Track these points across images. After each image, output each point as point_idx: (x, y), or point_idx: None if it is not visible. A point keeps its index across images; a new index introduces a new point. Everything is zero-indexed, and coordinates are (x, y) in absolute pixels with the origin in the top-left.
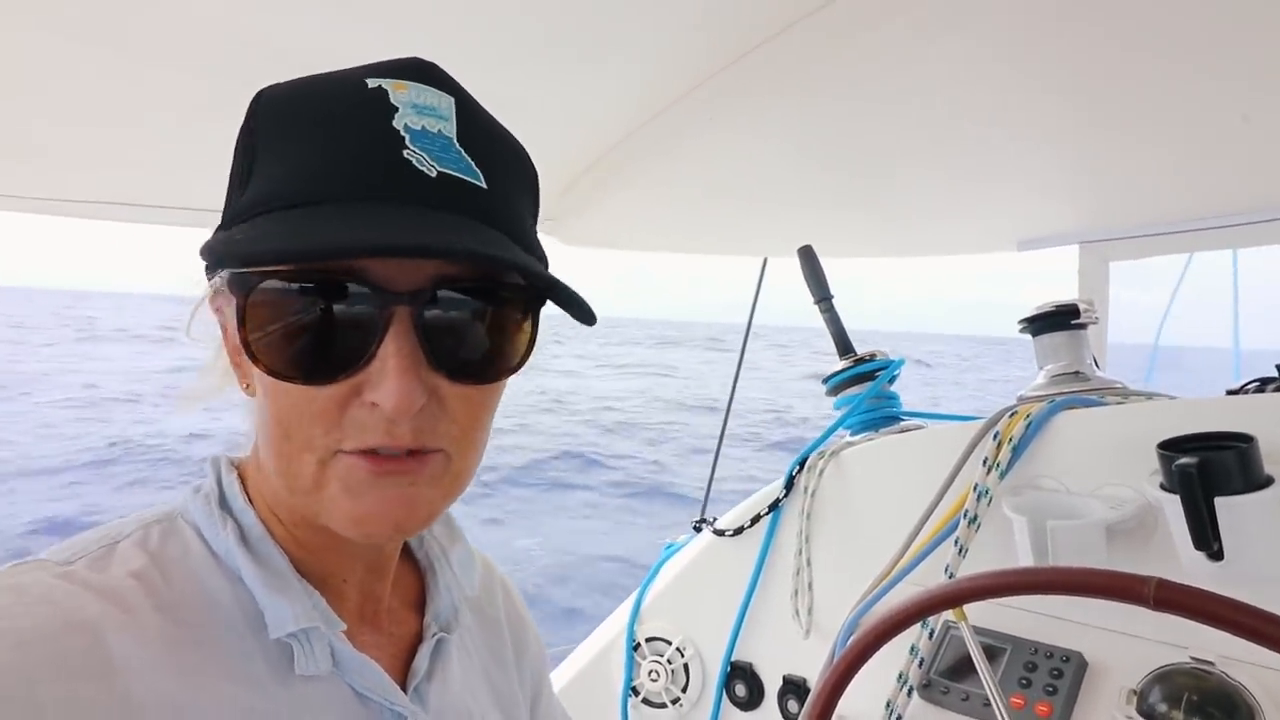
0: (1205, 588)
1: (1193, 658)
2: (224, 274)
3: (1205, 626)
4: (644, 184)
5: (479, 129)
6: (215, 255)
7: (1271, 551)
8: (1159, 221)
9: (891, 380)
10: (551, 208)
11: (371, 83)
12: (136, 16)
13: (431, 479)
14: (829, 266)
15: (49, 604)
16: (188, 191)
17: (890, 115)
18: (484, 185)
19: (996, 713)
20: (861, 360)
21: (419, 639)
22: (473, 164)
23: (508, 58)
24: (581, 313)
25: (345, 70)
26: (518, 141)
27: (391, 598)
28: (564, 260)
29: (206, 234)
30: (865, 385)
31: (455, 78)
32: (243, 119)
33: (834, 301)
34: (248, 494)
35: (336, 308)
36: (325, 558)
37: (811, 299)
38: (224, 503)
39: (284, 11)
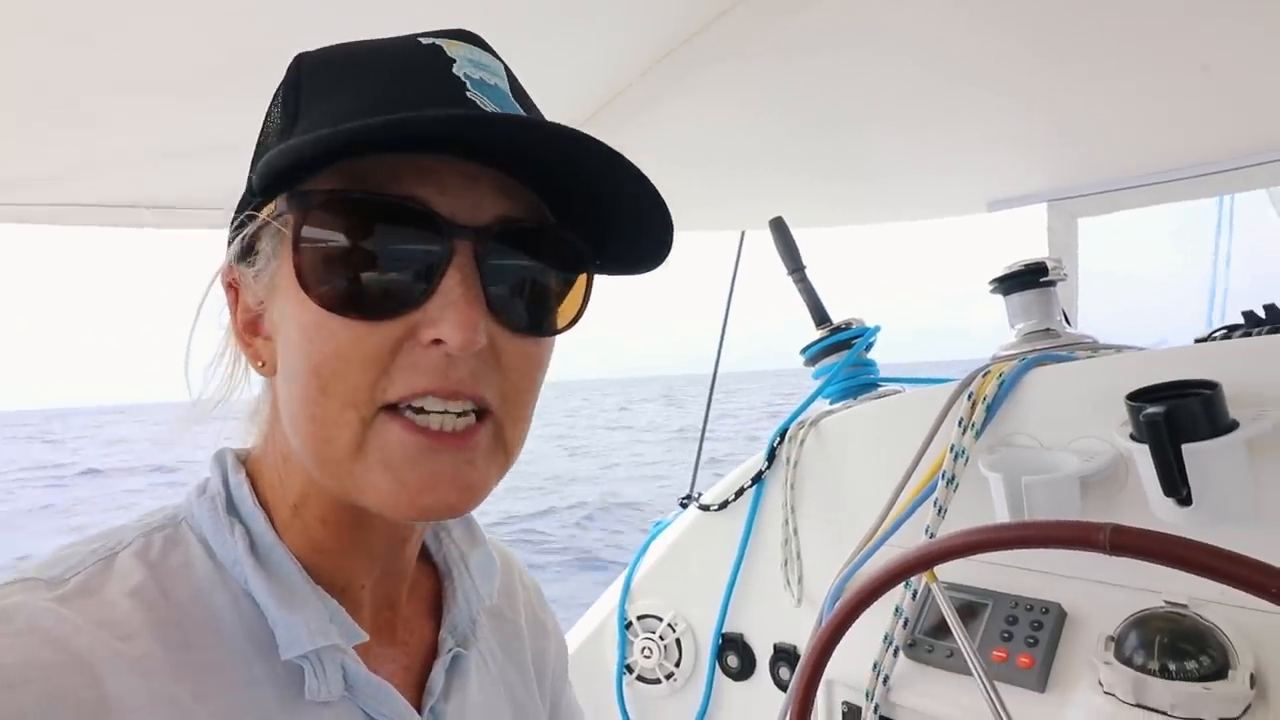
0: (1176, 533)
1: (1166, 601)
2: (276, 201)
3: (1178, 571)
4: None
5: (524, 94)
6: (279, 159)
7: (1238, 493)
8: (1124, 176)
9: (868, 347)
10: None
11: (424, 40)
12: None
13: (486, 454)
14: (804, 237)
15: (36, 634)
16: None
17: (859, 77)
18: None
19: (971, 667)
20: (838, 329)
21: (434, 651)
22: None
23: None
24: (640, 260)
25: (388, 37)
26: None
27: (407, 604)
28: None
29: (190, 234)
30: (842, 353)
31: None
32: (280, 83)
33: (807, 272)
34: (258, 494)
35: (398, 236)
36: (345, 561)
37: (785, 270)
38: (231, 506)
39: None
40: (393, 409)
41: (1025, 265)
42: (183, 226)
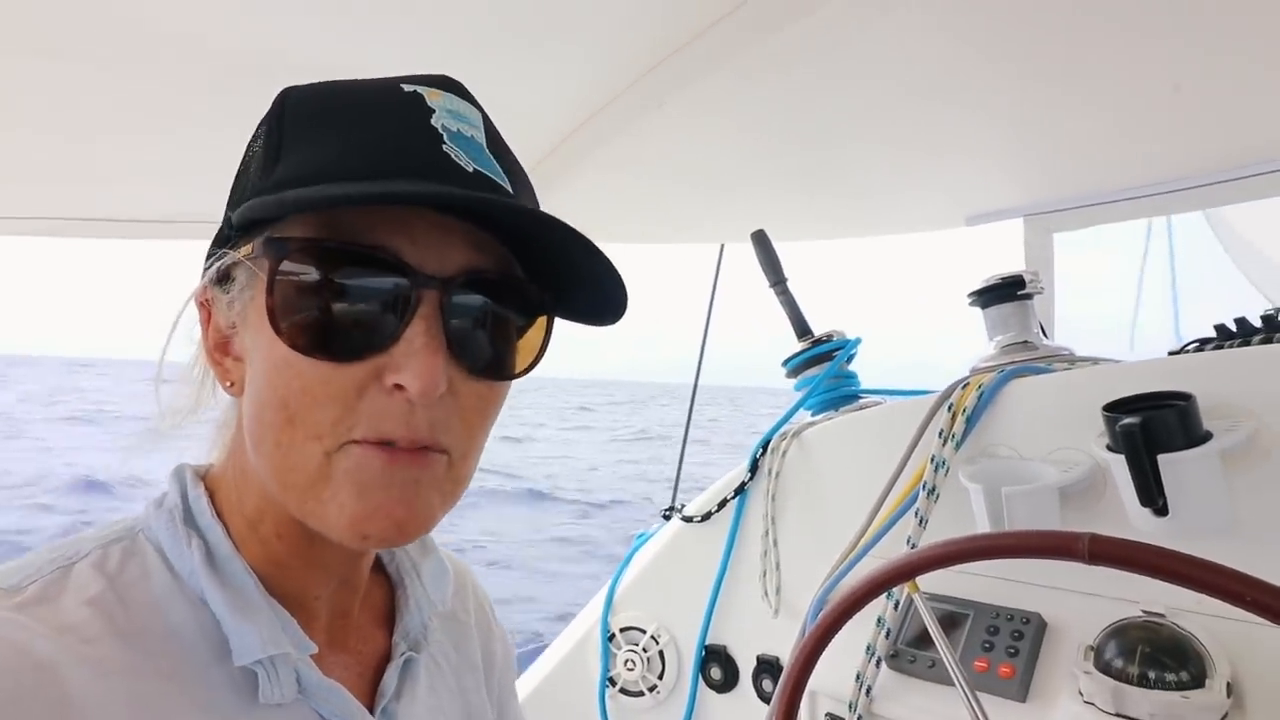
0: (1153, 542)
1: (1144, 611)
2: (254, 244)
3: (1155, 580)
4: (597, 175)
5: (501, 144)
6: (261, 210)
7: (1213, 503)
8: (1099, 191)
9: (849, 359)
10: None
11: (406, 88)
12: (110, 31)
13: (434, 481)
14: (784, 250)
15: None
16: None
17: (840, 93)
18: (510, 190)
19: (954, 678)
20: (819, 341)
21: (386, 657)
22: (501, 171)
23: (450, 54)
24: (600, 312)
25: (373, 78)
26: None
27: (360, 614)
28: None
29: (176, 244)
30: (824, 366)
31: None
32: (265, 115)
33: (788, 284)
34: (216, 507)
35: (367, 284)
36: (300, 574)
37: (767, 283)
38: (189, 518)
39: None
40: (355, 441)
41: (1003, 278)
42: (173, 238)
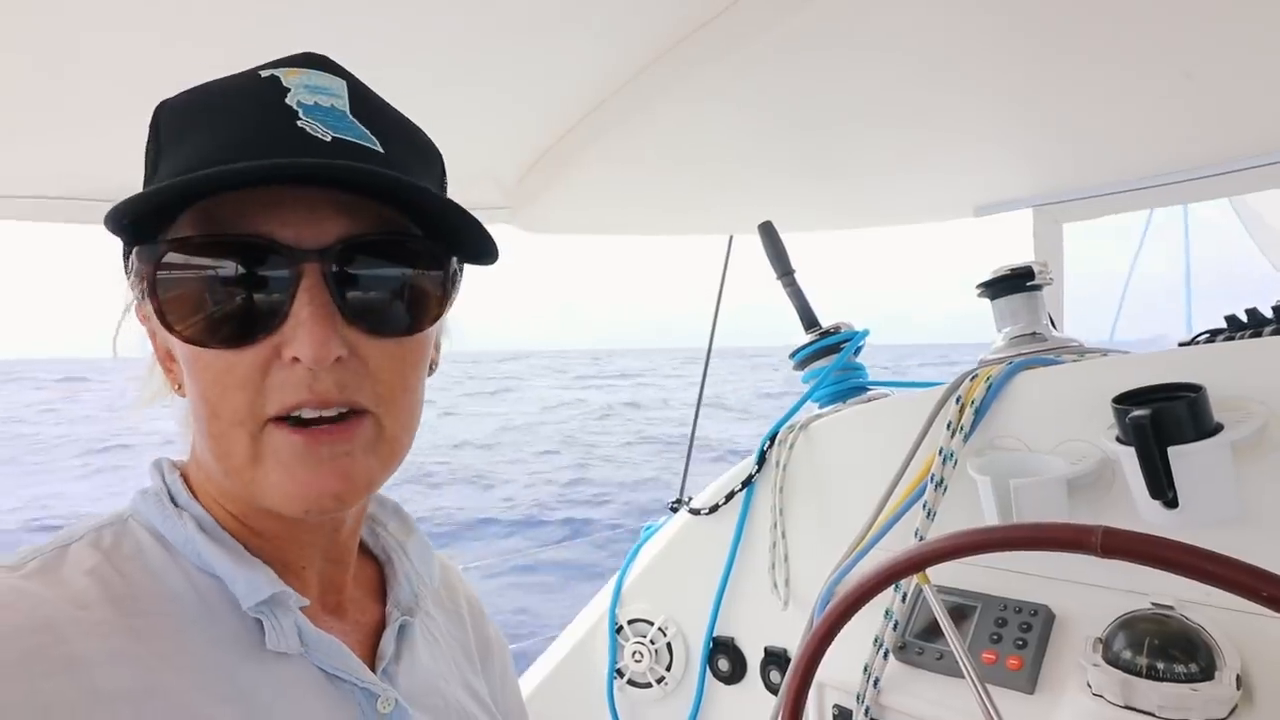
0: (1163, 535)
1: (1153, 603)
2: (134, 254)
3: (1164, 573)
4: (603, 165)
5: (372, 106)
6: (118, 214)
7: (1223, 496)
8: (1108, 182)
9: (857, 351)
10: (510, 195)
11: (265, 73)
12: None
13: (366, 446)
14: (793, 242)
15: (3, 606)
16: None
17: (846, 81)
18: (380, 150)
19: (964, 670)
20: (827, 333)
21: (383, 626)
22: (368, 132)
23: (459, 44)
24: (484, 253)
25: (238, 72)
26: (414, 124)
27: (353, 589)
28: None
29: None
30: (831, 358)
31: (411, 66)
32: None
33: (796, 276)
34: (192, 493)
35: (246, 269)
36: (281, 545)
37: (774, 275)
38: (173, 500)
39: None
40: (278, 420)
41: (1012, 269)
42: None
